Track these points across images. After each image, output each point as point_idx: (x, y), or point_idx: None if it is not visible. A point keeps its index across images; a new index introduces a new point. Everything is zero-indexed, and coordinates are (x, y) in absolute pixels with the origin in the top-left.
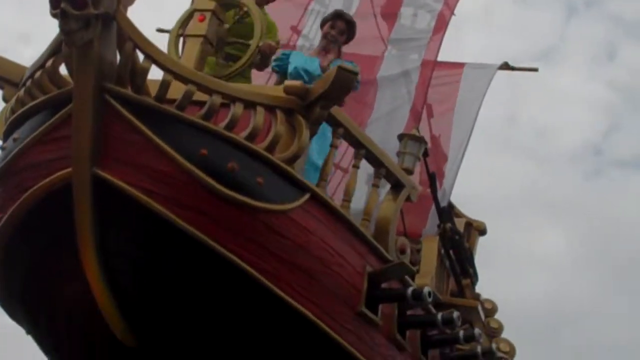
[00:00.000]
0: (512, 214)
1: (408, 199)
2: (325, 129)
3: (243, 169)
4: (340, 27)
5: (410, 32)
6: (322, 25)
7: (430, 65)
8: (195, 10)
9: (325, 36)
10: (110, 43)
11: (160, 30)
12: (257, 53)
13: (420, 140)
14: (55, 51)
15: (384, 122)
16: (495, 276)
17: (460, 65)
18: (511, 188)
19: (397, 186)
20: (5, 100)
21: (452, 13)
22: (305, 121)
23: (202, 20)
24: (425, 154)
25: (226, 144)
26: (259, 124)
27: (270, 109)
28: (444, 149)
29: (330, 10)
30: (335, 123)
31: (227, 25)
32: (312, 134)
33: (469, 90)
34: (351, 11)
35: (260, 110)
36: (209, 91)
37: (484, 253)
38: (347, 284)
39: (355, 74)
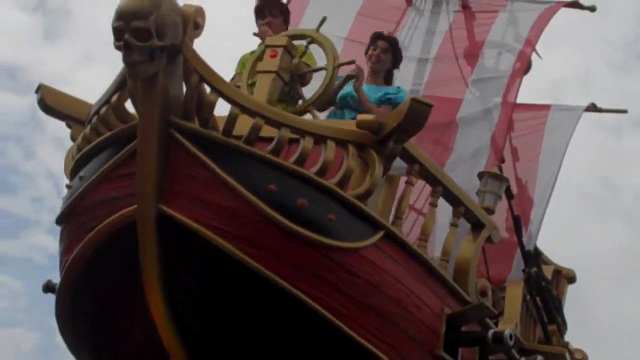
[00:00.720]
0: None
1: (489, 240)
2: None
3: (313, 205)
4: (382, 46)
5: (492, 72)
6: (366, 54)
7: (511, 105)
8: (267, 46)
9: (369, 59)
10: (175, 76)
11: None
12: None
13: (501, 178)
14: (120, 86)
15: (464, 164)
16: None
17: (546, 107)
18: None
19: (477, 226)
20: (73, 139)
21: (533, 49)
22: (378, 156)
23: (274, 56)
24: (510, 196)
25: (295, 179)
26: (330, 159)
27: (341, 143)
28: (530, 193)
29: (410, 52)
30: (410, 159)
31: (297, 59)
32: (386, 169)
33: (555, 134)
34: (431, 54)
35: (331, 144)
36: (277, 125)
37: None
38: (424, 326)
39: (430, 106)
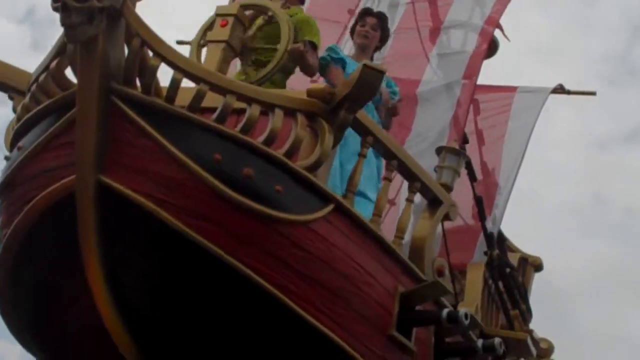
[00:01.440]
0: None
1: (447, 218)
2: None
3: (260, 175)
4: (371, 23)
5: (455, 49)
6: (351, 32)
7: (472, 83)
8: (217, 15)
9: (358, 35)
10: (116, 40)
11: (180, 42)
12: (287, 57)
13: (459, 153)
14: (60, 52)
15: (423, 143)
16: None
17: (513, 88)
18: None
19: (434, 203)
20: (15, 111)
21: (496, 27)
22: (328, 126)
23: (224, 26)
24: (473, 178)
25: (241, 148)
26: (277, 127)
27: (290, 112)
28: (495, 177)
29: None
30: (363, 130)
31: (252, 31)
32: (337, 140)
33: (521, 116)
34: (392, 27)
35: (279, 113)
36: (222, 91)
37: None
38: (376, 304)
39: (382, 72)
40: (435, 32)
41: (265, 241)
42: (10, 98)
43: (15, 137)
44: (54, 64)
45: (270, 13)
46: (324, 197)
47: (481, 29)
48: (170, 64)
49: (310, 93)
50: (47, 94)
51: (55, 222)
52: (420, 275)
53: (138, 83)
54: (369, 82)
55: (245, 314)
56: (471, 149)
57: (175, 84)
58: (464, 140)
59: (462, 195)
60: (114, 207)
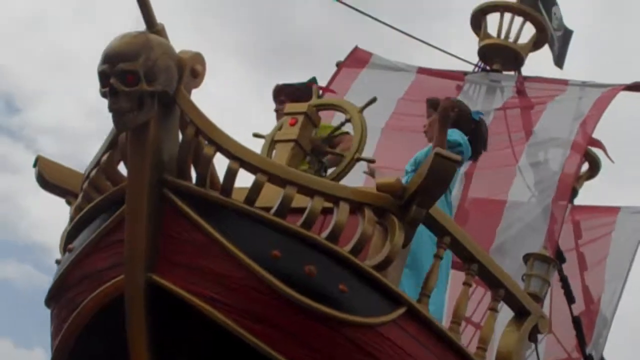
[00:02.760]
0: None
1: (536, 330)
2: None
3: (323, 273)
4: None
5: (544, 165)
6: None
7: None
8: (286, 113)
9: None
10: (170, 128)
11: (256, 136)
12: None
13: (548, 260)
14: (111, 145)
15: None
16: None
17: (615, 210)
18: None
19: (521, 314)
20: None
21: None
22: (399, 222)
23: (293, 124)
24: (571, 300)
25: (302, 244)
26: (341, 222)
27: (357, 206)
28: (598, 302)
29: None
30: (438, 229)
31: (325, 132)
32: (408, 238)
33: (624, 239)
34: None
35: (344, 206)
36: (281, 182)
37: None
38: None
39: (455, 161)
40: (522, 143)
41: (329, 345)
42: (68, 203)
43: (67, 239)
44: (104, 157)
45: (348, 116)
46: (395, 299)
47: (573, 143)
48: (225, 152)
49: (380, 187)
50: (99, 191)
51: (105, 326)
52: None
53: (193, 174)
54: (442, 173)
55: None
56: (572, 273)
57: (231, 174)
58: (561, 258)
59: (562, 325)
60: (166, 308)
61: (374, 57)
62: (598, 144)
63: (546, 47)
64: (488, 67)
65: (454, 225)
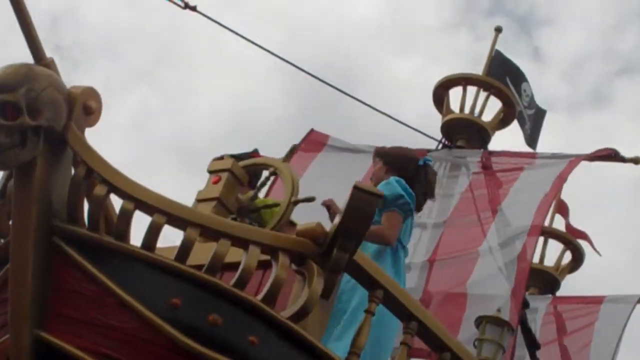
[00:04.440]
0: None
1: None
2: None
3: (229, 323)
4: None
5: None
6: None
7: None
8: (209, 172)
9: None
10: (60, 170)
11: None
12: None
13: (502, 324)
14: (1, 193)
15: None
16: None
17: (599, 299)
18: None
19: None
20: None
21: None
22: (318, 268)
23: (216, 182)
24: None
25: (205, 291)
26: (249, 267)
27: (270, 250)
28: None
29: (423, 219)
30: (366, 280)
31: (251, 193)
32: (330, 287)
33: (607, 331)
34: (445, 217)
35: (253, 250)
36: (182, 223)
37: None
38: None
39: (377, 195)
40: (489, 219)
41: None
42: None
43: None
44: None
45: (272, 169)
46: (315, 355)
47: (524, 242)
48: (119, 192)
49: (299, 232)
50: None
51: None
52: None
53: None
54: (363, 209)
55: None
56: None
57: (126, 216)
58: (535, 344)
59: None
60: None
61: (331, 139)
62: (583, 235)
63: (515, 125)
64: (452, 144)
65: (386, 277)
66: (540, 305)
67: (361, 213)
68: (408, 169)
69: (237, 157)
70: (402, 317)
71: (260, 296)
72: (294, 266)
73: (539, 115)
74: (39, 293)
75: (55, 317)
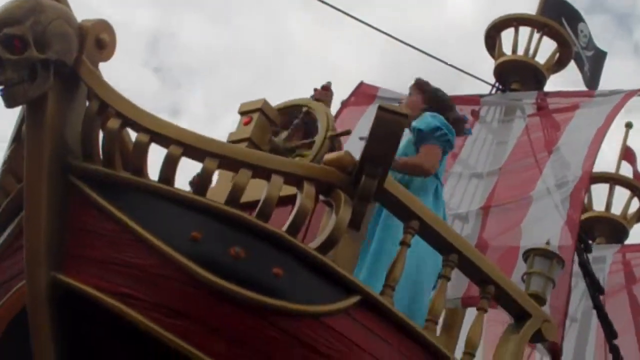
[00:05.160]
0: None
1: (539, 336)
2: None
3: (252, 255)
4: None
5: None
6: None
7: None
8: (240, 113)
9: None
10: (74, 106)
11: None
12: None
13: (551, 256)
14: (16, 138)
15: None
16: None
17: None
18: None
19: (520, 317)
20: None
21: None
22: (346, 196)
23: (247, 123)
24: (612, 335)
25: (226, 223)
26: (272, 197)
27: (294, 180)
28: None
29: (477, 168)
30: (400, 210)
31: (285, 133)
32: (360, 214)
33: None
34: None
35: (276, 179)
36: (200, 154)
37: None
38: None
39: (403, 115)
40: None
41: (263, 339)
42: None
43: None
44: (8, 153)
45: (305, 109)
46: (345, 286)
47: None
48: (133, 125)
49: (327, 161)
50: (6, 192)
51: (17, 338)
52: None
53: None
54: (388, 130)
55: None
56: (622, 314)
57: (141, 149)
58: (598, 289)
59: None
60: (76, 312)
61: (381, 90)
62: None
63: (573, 68)
64: (505, 88)
65: (422, 207)
66: (607, 253)
67: (387, 135)
68: (446, 113)
69: None
70: (441, 250)
71: (285, 227)
72: (322, 198)
73: (599, 57)
74: (54, 235)
75: (72, 258)
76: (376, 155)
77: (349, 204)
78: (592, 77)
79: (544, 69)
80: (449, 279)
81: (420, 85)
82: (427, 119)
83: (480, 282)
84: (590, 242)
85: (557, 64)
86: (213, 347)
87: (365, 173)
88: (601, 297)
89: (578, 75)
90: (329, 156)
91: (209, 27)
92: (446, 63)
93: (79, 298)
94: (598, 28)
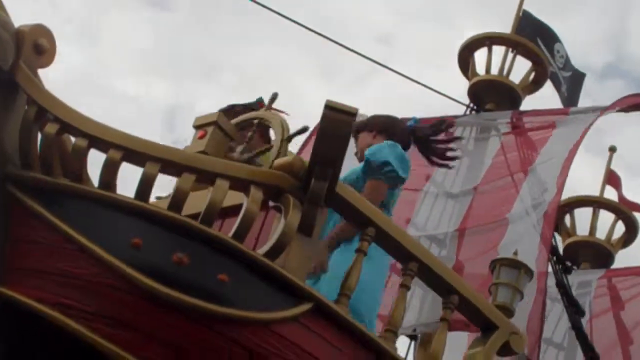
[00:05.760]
0: None
1: (507, 350)
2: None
3: (196, 261)
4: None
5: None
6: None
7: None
8: (195, 127)
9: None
10: (11, 112)
11: None
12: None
13: (519, 265)
14: None
15: None
16: None
17: None
18: None
19: (486, 329)
20: None
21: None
22: (295, 200)
23: (202, 137)
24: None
25: (168, 229)
26: (215, 202)
27: (241, 184)
28: None
29: (454, 188)
30: (355, 215)
31: (240, 147)
32: (310, 219)
33: None
34: (476, 183)
35: (221, 183)
36: (141, 158)
37: None
38: None
39: (350, 113)
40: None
41: (209, 348)
42: None
43: None
44: None
45: (256, 120)
46: (296, 293)
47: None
48: (71, 129)
49: (276, 166)
50: None
51: None
52: None
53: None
54: (336, 129)
55: None
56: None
57: (79, 154)
58: (579, 311)
59: None
60: (14, 323)
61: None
62: (637, 207)
63: (551, 90)
64: (480, 109)
65: (377, 212)
66: (592, 278)
67: (335, 134)
68: (396, 132)
69: (242, 107)
70: (399, 258)
71: (231, 232)
72: (272, 204)
73: (577, 78)
74: None
75: (12, 270)
76: (325, 156)
77: (298, 208)
78: (569, 98)
79: (519, 88)
80: (408, 288)
81: (359, 128)
82: (379, 151)
83: (443, 292)
84: (574, 267)
85: (533, 84)
86: (157, 357)
87: (315, 176)
88: (586, 320)
89: (555, 97)
90: (279, 161)
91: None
92: (419, 83)
93: (19, 310)
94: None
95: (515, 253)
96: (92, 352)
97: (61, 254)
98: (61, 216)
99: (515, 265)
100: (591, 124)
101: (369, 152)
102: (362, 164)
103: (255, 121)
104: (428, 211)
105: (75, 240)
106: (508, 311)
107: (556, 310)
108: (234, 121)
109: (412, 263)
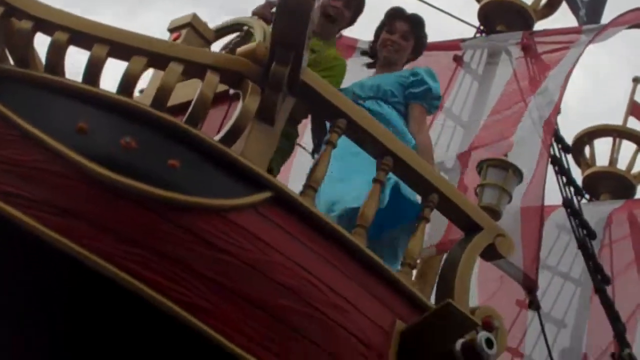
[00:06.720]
0: None
1: (492, 252)
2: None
3: (145, 146)
4: (401, 30)
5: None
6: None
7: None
8: (169, 30)
9: (383, 44)
10: None
11: None
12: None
13: (506, 166)
14: None
15: None
16: None
17: None
18: None
19: (470, 230)
20: None
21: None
22: (255, 85)
23: (176, 39)
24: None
25: (115, 112)
26: (166, 84)
27: (198, 69)
28: None
29: (462, 116)
30: (324, 107)
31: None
32: (270, 104)
33: None
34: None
35: (174, 67)
36: (89, 41)
37: None
38: (354, 339)
39: None
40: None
41: (157, 236)
42: None
43: None
44: None
45: (245, 27)
46: (254, 181)
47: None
48: (17, 11)
49: (239, 52)
50: None
51: None
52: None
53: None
54: (297, 6)
55: (139, 344)
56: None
57: (24, 37)
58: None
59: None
60: None
61: (361, 42)
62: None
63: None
64: (490, 31)
65: (350, 104)
66: (610, 207)
67: (296, 12)
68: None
69: None
70: (375, 153)
71: (183, 118)
72: (232, 91)
73: (599, 2)
74: None
75: None
76: (286, 36)
77: (257, 93)
78: (589, 23)
79: (531, 9)
80: (382, 183)
81: (418, 27)
82: (432, 78)
83: (423, 191)
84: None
85: (547, 7)
86: (102, 246)
87: (276, 59)
88: (598, 247)
89: (572, 22)
90: (243, 48)
91: None
92: (428, 3)
93: None
94: None
95: (506, 155)
96: (35, 241)
97: (5, 140)
98: (5, 101)
99: (503, 166)
100: (596, 35)
101: (421, 74)
102: (410, 78)
103: (244, 28)
104: (434, 139)
105: (19, 126)
106: (494, 213)
107: (564, 238)
108: (219, 25)
109: (387, 157)
